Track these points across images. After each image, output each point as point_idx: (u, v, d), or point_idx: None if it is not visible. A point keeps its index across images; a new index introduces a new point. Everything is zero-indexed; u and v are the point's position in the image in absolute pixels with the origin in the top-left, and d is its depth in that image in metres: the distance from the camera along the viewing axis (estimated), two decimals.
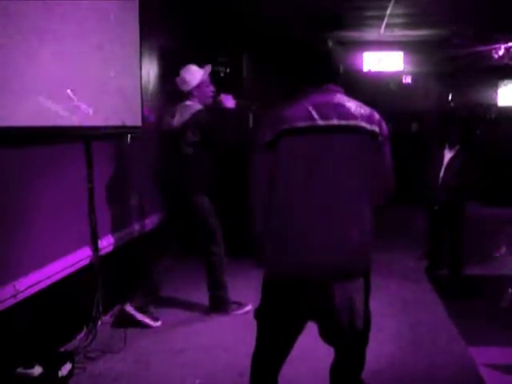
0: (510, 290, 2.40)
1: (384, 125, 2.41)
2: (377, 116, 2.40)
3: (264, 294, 2.47)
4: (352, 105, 2.36)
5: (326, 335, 2.48)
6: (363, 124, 2.31)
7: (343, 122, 2.29)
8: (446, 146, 5.65)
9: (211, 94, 4.68)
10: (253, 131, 6.62)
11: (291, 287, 2.33)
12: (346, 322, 2.33)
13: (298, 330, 2.46)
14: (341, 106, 2.33)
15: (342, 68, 2.48)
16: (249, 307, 4.57)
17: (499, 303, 2.67)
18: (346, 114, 2.31)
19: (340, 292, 2.29)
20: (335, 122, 2.29)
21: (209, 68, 4.71)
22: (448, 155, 5.62)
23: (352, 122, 2.30)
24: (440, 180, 5.61)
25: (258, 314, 2.49)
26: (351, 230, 2.30)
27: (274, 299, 2.41)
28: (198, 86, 4.59)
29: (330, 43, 2.46)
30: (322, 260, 2.28)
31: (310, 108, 2.31)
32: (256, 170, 2.42)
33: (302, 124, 2.28)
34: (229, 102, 4.65)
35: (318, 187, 2.28)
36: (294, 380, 3.36)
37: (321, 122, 2.28)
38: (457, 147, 5.61)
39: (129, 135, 4.82)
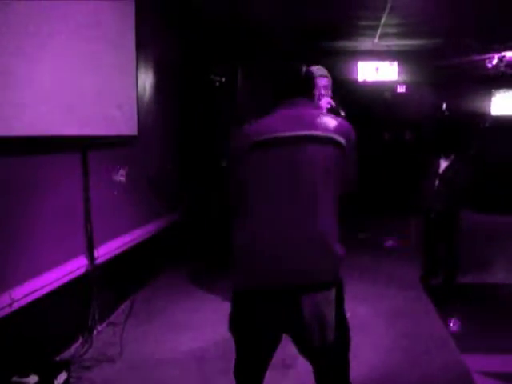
0: None
1: (352, 133, 2.45)
2: (345, 126, 2.45)
3: (233, 304, 2.48)
4: (320, 117, 2.43)
5: (300, 349, 2.48)
6: (330, 135, 2.36)
7: (307, 132, 2.34)
8: (442, 155, 5.69)
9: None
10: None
11: (259, 298, 2.33)
12: (317, 334, 2.32)
13: (271, 341, 2.46)
14: (307, 117, 2.40)
15: (322, 90, 2.58)
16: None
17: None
18: (311, 125, 2.36)
19: (309, 304, 2.28)
20: (299, 132, 2.34)
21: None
22: (443, 164, 5.66)
23: (317, 133, 2.34)
24: (435, 188, 5.64)
25: (230, 324, 2.50)
26: (319, 240, 2.31)
27: (242, 310, 2.42)
28: None
29: (302, 66, 2.55)
30: (289, 271, 2.28)
31: (276, 121, 2.38)
32: (228, 183, 2.51)
33: (267, 136, 2.33)
34: (324, 103, 4.30)
35: (285, 198, 2.31)
36: None
37: (285, 134, 2.33)
38: (451, 156, 5.65)
39: None
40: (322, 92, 4.25)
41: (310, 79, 2.58)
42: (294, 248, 2.29)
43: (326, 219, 2.33)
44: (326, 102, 4.15)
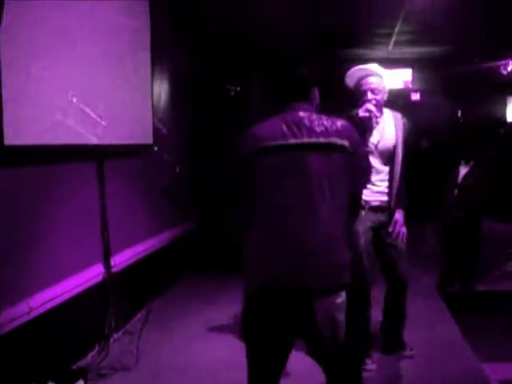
0: None
1: (355, 134, 2.48)
2: (347, 128, 2.46)
3: (245, 307, 2.47)
4: (322, 121, 2.42)
5: (312, 352, 2.48)
6: (333, 140, 2.37)
7: (313, 140, 2.35)
8: (462, 163, 5.65)
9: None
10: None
11: (271, 302, 2.33)
12: (329, 337, 2.34)
13: (283, 345, 2.45)
14: (311, 122, 2.39)
15: (315, 91, 2.57)
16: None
17: None
18: (316, 131, 2.37)
19: (321, 308, 2.30)
20: (306, 139, 2.35)
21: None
22: (463, 171, 5.62)
23: (321, 139, 2.36)
24: (455, 196, 5.60)
25: (241, 326, 2.53)
26: (330, 244, 2.33)
27: (254, 313, 2.42)
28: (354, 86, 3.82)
29: (304, 69, 2.56)
30: (301, 276, 2.29)
31: (283, 126, 2.38)
32: (234, 184, 2.55)
33: (274, 142, 2.35)
34: (361, 111, 3.60)
35: (296, 203, 2.32)
36: None
37: (292, 141, 2.35)
38: (471, 163, 5.61)
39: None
40: (369, 97, 3.71)
41: (308, 82, 2.56)
42: (306, 253, 2.30)
43: (334, 224, 2.35)
44: (363, 109, 3.58)
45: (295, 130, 2.37)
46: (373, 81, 3.74)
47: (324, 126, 2.39)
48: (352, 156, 2.42)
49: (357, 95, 3.76)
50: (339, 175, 2.38)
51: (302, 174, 2.33)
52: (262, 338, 2.42)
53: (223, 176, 2.61)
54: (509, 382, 3.77)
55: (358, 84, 3.78)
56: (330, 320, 2.32)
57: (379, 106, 3.77)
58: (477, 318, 5.14)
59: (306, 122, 2.40)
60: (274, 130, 2.39)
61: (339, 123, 2.45)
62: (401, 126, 3.96)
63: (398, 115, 4.01)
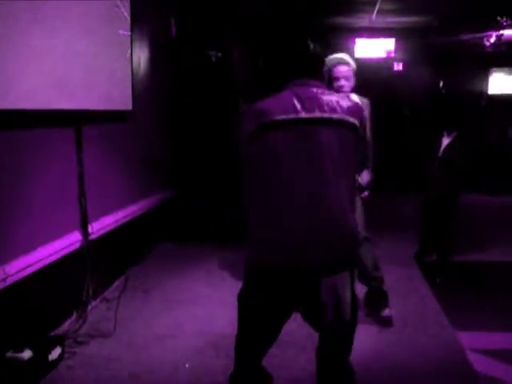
0: None
1: (365, 113, 2.50)
2: (358, 107, 2.46)
3: (247, 279, 2.47)
4: (334, 98, 2.39)
5: (311, 320, 2.50)
6: (345, 117, 2.35)
7: (326, 115, 2.32)
8: (444, 134, 5.63)
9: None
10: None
11: (276, 278, 2.32)
12: (332, 314, 2.34)
13: (282, 318, 2.47)
14: (323, 99, 2.35)
15: (325, 65, 2.56)
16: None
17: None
18: (328, 107, 2.33)
19: (327, 287, 2.29)
20: (318, 114, 2.31)
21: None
22: (445, 141, 5.61)
23: (334, 115, 2.33)
24: (437, 166, 5.61)
25: (240, 298, 2.50)
26: (339, 224, 2.31)
27: (257, 287, 2.41)
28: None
29: (313, 44, 2.50)
30: (310, 254, 2.27)
31: (294, 100, 2.33)
32: (244, 168, 2.44)
33: (285, 116, 2.29)
34: None
35: (305, 178, 2.29)
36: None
37: (304, 115, 2.30)
38: (454, 134, 5.60)
39: None
40: (342, 83, 4.04)
41: (319, 58, 2.54)
42: (314, 230, 2.27)
43: (343, 202, 2.33)
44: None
45: (307, 104, 2.32)
46: (345, 69, 4.07)
47: (337, 102, 2.36)
48: (360, 138, 2.41)
49: (329, 82, 4.02)
50: (349, 152, 2.36)
51: (314, 148, 2.29)
52: (261, 311, 2.41)
53: (231, 152, 2.53)
54: (482, 350, 3.82)
55: (331, 71, 4.06)
56: (334, 296, 2.32)
57: (350, 92, 4.10)
58: (453, 287, 5.21)
59: (319, 97, 2.35)
60: (285, 104, 2.33)
61: (351, 102, 2.44)
62: (369, 111, 4.24)
63: (365, 100, 4.25)
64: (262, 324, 2.47)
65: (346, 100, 2.43)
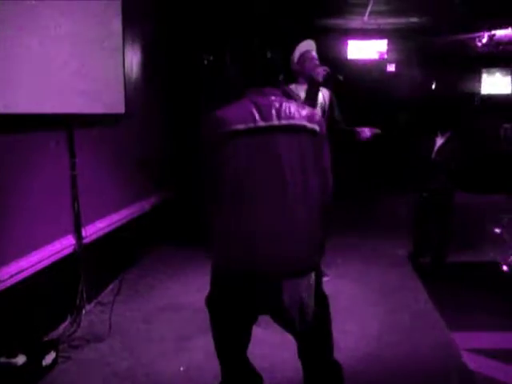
0: None
1: (324, 125, 2.49)
2: (317, 116, 2.50)
3: (213, 284, 2.51)
4: (292, 106, 2.42)
5: (280, 324, 2.54)
6: (304, 123, 2.38)
7: (284, 122, 2.35)
8: (438, 134, 5.64)
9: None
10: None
11: (239, 282, 2.35)
12: (296, 318, 2.37)
13: (249, 321, 2.51)
14: (281, 107, 2.39)
15: (281, 75, 2.57)
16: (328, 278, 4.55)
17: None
18: (286, 114, 2.37)
19: (289, 290, 2.32)
20: (276, 122, 2.35)
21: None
22: (439, 142, 5.62)
23: (292, 122, 2.36)
24: (430, 167, 5.61)
25: (208, 302, 2.55)
26: (300, 227, 2.34)
27: (221, 291, 2.45)
28: (298, 62, 4.59)
29: (272, 52, 2.54)
30: (270, 257, 2.30)
31: (252, 109, 2.35)
32: (200, 170, 2.47)
33: (244, 126, 2.31)
34: (321, 70, 4.41)
35: (265, 186, 2.32)
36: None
37: (262, 124, 2.33)
38: (448, 134, 5.60)
39: None
40: (316, 62, 4.51)
41: (277, 67, 2.57)
42: (276, 235, 2.30)
43: (305, 207, 2.35)
44: (322, 69, 4.34)
45: (265, 113, 2.35)
46: (315, 54, 4.58)
47: (294, 110, 2.40)
48: (320, 146, 2.43)
49: (303, 66, 4.54)
50: (311, 157, 2.38)
51: (273, 157, 2.32)
52: (227, 315, 2.47)
53: (191, 164, 2.56)
54: (477, 350, 3.83)
55: (305, 56, 4.56)
56: (297, 300, 2.35)
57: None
58: (447, 288, 5.21)
59: (277, 105, 2.39)
60: (243, 113, 2.36)
61: (308, 109, 2.49)
62: (333, 98, 4.76)
63: (327, 91, 4.72)
64: (229, 327, 2.53)
65: (304, 108, 2.48)
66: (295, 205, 2.32)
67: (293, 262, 2.32)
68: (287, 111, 2.37)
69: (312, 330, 2.45)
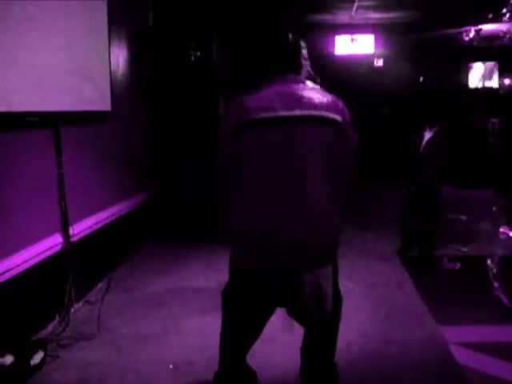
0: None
1: (347, 112, 2.42)
2: (340, 104, 2.41)
3: (231, 278, 2.47)
4: (314, 94, 2.36)
5: (295, 316, 2.51)
6: (325, 114, 2.32)
7: (305, 112, 2.29)
8: (426, 128, 5.65)
9: None
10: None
11: (260, 275, 2.32)
12: (315, 307, 2.35)
13: (266, 315, 2.47)
14: (303, 96, 2.33)
15: (303, 60, 2.50)
16: None
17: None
18: (308, 104, 2.31)
19: (310, 280, 2.30)
20: (297, 112, 2.29)
21: None
22: (427, 136, 5.62)
23: (314, 112, 2.30)
24: (418, 161, 5.62)
25: (224, 295, 2.50)
26: (321, 219, 2.32)
27: (241, 284, 2.41)
28: None
29: (292, 36, 2.47)
30: (293, 250, 2.28)
31: (273, 98, 2.30)
32: (222, 159, 2.41)
33: (265, 115, 2.26)
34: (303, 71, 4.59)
35: (285, 177, 2.28)
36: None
37: (284, 113, 2.28)
38: (435, 128, 5.61)
39: None
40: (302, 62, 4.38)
41: (299, 49, 2.50)
42: (296, 225, 2.27)
43: (325, 199, 2.33)
44: (305, 70, 4.23)
45: (286, 102, 2.29)
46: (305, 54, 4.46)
47: (316, 99, 2.34)
48: (343, 133, 2.38)
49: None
50: (330, 149, 2.33)
51: (294, 148, 2.27)
52: (246, 309, 2.43)
53: (212, 154, 2.50)
54: (466, 344, 3.85)
55: None
56: (317, 291, 2.32)
57: None
58: (435, 282, 5.24)
59: (298, 94, 2.33)
60: (264, 102, 2.30)
61: (331, 97, 2.40)
62: None
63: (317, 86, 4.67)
64: (246, 322, 2.48)
65: (326, 96, 2.40)
66: (314, 196, 2.30)
67: (313, 253, 2.30)
68: (309, 101, 2.31)
69: (325, 324, 2.45)
